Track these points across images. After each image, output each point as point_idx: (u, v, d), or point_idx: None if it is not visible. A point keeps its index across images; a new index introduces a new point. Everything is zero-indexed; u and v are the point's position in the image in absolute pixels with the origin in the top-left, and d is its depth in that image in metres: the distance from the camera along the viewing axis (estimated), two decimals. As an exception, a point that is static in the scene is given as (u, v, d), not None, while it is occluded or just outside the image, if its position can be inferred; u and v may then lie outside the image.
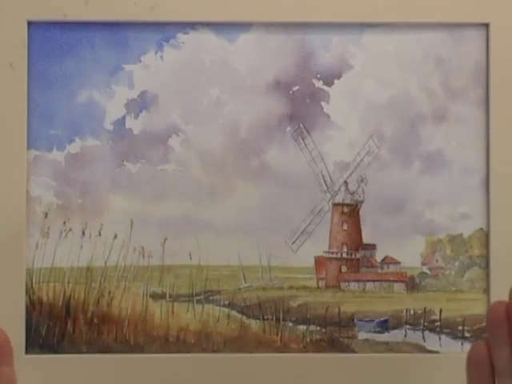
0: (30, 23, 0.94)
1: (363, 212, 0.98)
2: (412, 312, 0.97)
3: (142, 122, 0.96)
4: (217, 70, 0.96)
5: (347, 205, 0.99)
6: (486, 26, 0.95)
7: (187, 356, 0.95)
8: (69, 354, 0.94)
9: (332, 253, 0.98)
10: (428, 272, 0.98)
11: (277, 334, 0.96)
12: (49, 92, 0.95)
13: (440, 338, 0.97)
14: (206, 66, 0.97)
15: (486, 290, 0.96)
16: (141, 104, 0.97)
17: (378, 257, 0.98)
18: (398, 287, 0.98)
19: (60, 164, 0.96)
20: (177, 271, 0.96)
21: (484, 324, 0.95)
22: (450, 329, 0.97)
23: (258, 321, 0.97)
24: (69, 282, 0.95)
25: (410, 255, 0.97)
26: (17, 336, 0.93)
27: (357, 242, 0.99)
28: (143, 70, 0.96)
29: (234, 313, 0.97)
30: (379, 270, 0.98)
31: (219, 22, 0.95)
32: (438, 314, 0.97)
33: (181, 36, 0.96)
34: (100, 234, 0.95)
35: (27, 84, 0.94)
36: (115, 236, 0.95)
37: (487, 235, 0.96)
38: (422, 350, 0.97)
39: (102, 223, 0.96)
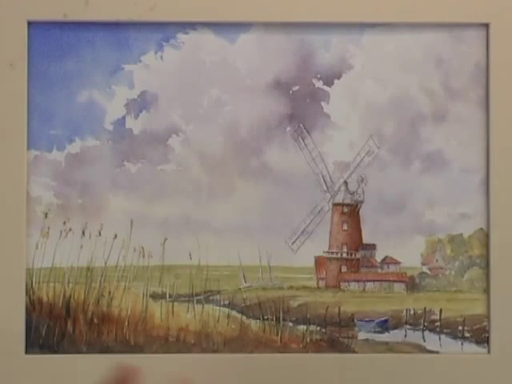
0: (29, 23, 0.94)
1: (363, 212, 0.98)
2: (412, 312, 0.97)
3: (141, 122, 0.97)
4: (217, 70, 0.96)
5: (347, 205, 0.99)
6: (486, 26, 0.95)
7: (187, 356, 0.95)
8: (69, 354, 0.94)
9: (332, 253, 0.98)
10: (428, 272, 0.98)
11: (277, 334, 0.96)
12: (49, 92, 0.95)
13: (440, 338, 0.97)
14: (206, 66, 0.97)
15: (486, 290, 0.96)
16: (141, 104, 0.97)
17: (378, 257, 0.98)
18: (398, 287, 0.98)
19: (60, 164, 0.96)
20: (177, 271, 0.96)
21: (484, 324, 0.96)
22: (449, 329, 0.97)
23: (257, 321, 0.97)
24: (69, 282, 0.95)
25: (410, 255, 0.97)
26: (17, 336, 0.93)
27: (357, 242, 0.99)
28: (143, 69, 0.96)
29: (233, 313, 0.97)
30: (379, 270, 0.98)
31: (219, 22, 0.95)
32: (438, 314, 0.97)
33: (181, 36, 0.96)
34: (100, 233, 0.96)
35: (27, 84, 0.94)
36: (115, 236, 0.96)
37: (487, 235, 0.96)
38: (422, 350, 0.97)
39: (102, 223, 0.96)
